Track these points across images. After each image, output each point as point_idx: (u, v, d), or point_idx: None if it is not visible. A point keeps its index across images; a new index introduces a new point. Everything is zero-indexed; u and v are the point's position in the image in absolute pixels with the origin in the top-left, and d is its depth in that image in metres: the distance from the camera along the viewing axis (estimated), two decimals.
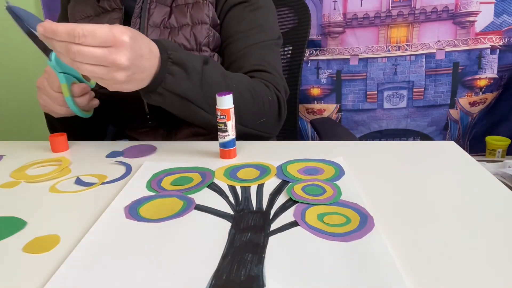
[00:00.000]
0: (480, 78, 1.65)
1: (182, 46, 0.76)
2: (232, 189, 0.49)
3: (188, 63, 0.59)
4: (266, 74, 0.74)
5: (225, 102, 0.56)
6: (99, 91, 0.81)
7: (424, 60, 1.65)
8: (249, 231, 0.39)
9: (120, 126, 0.89)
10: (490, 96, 1.69)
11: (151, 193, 0.48)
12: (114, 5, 0.79)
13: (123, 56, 0.50)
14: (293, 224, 0.40)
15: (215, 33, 0.78)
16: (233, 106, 0.57)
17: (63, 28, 0.48)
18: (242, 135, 0.64)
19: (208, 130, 0.73)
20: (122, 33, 0.50)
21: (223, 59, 0.81)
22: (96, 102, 0.71)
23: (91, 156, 0.63)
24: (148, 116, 0.82)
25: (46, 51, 0.61)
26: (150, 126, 0.83)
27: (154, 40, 0.57)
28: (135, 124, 0.85)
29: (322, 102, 1.74)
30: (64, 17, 0.85)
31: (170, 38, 0.76)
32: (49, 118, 0.74)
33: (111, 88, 0.54)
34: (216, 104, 0.57)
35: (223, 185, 0.50)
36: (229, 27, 0.79)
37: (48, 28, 0.48)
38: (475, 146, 1.79)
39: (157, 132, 0.83)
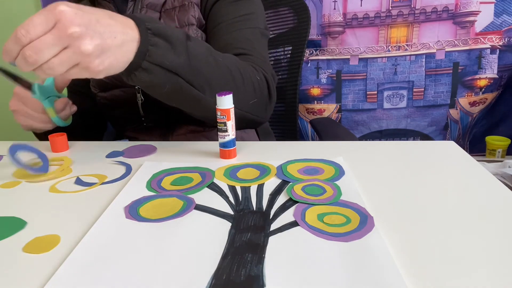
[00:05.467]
0: (480, 78, 1.65)
1: None
2: (232, 189, 0.49)
3: (170, 34, 0.53)
4: (251, 57, 0.71)
5: (225, 102, 0.56)
6: (99, 95, 0.82)
7: (424, 60, 1.65)
8: (249, 231, 0.39)
9: (119, 127, 0.89)
10: (490, 96, 1.69)
11: (151, 193, 0.48)
12: (107, 10, 0.79)
13: (71, 24, 0.44)
14: (293, 224, 0.40)
15: (202, 34, 0.78)
16: (233, 106, 0.57)
17: (10, 39, 0.44)
18: (236, 121, 0.60)
19: (207, 121, 0.70)
20: (57, 4, 0.44)
21: None
22: (74, 108, 0.72)
23: (91, 156, 0.63)
24: (143, 119, 0.82)
25: (21, 81, 0.63)
26: (146, 127, 0.84)
27: (126, 14, 0.52)
28: (133, 125, 0.85)
29: (322, 102, 1.74)
30: None
31: None
32: (35, 132, 0.75)
33: (95, 72, 0.47)
34: (207, 82, 0.53)
35: (223, 185, 0.50)
36: (213, 20, 0.77)
37: (3, 50, 0.45)
38: (475, 146, 1.79)
39: (154, 132, 0.83)
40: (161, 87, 0.56)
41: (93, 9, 0.48)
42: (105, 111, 0.86)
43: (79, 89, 0.87)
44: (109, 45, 0.47)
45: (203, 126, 0.81)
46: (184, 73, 0.55)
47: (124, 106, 0.81)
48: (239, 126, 0.62)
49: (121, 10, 0.78)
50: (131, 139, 0.86)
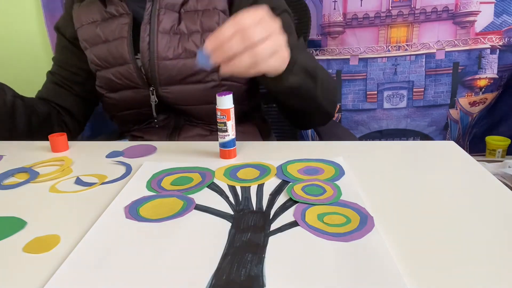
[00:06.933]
0: (480, 78, 1.65)
1: (193, 53, 0.77)
2: (232, 189, 0.49)
3: (299, 48, 0.64)
4: None
5: (225, 102, 0.56)
6: (107, 95, 0.82)
7: (424, 60, 1.65)
8: (249, 231, 0.39)
9: (125, 127, 0.90)
10: (490, 96, 1.69)
11: (151, 193, 0.48)
12: (121, 10, 0.79)
13: (273, 19, 0.52)
14: (293, 224, 0.40)
15: None
16: (233, 106, 0.57)
17: (228, 26, 0.49)
18: (321, 111, 0.74)
19: (314, 112, 0.76)
20: (255, 10, 0.52)
21: None
22: None
23: (91, 156, 0.63)
24: (155, 120, 0.83)
25: None
26: (154, 127, 0.85)
27: None
28: (140, 125, 0.86)
29: None
30: (67, 19, 0.85)
31: (180, 44, 0.76)
32: None
33: (269, 66, 0.53)
34: (322, 85, 0.66)
35: (223, 185, 0.50)
36: None
37: (213, 40, 0.50)
38: (475, 146, 1.79)
39: (161, 132, 0.84)
40: (301, 90, 0.66)
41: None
42: (111, 111, 0.86)
43: (67, 83, 0.87)
44: (284, 47, 0.55)
45: (210, 131, 0.82)
46: (310, 70, 0.65)
47: (134, 106, 0.82)
48: (313, 121, 0.78)
49: (136, 11, 0.78)
50: (136, 138, 0.87)
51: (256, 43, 0.49)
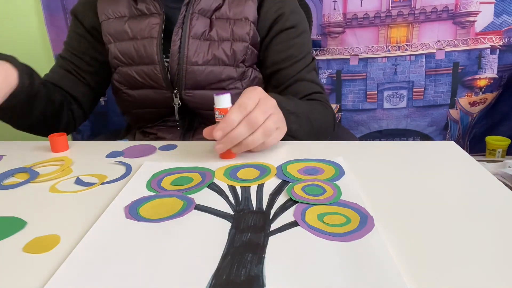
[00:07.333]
0: (480, 78, 1.65)
1: (221, 61, 0.78)
2: (232, 189, 0.49)
3: (297, 111, 0.67)
4: (319, 95, 0.83)
5: (223, 102, 0.56)
6: (126, 91, 0.82)
7: (424, 60, 1.65)
8: (249, 231, 0.39)
9: (139, 123, 0.90)
10: (490, 96, 1.69)
11: (151, 193, 0.48)
12: (153, 10, 0.78)
13: (270, 100, 0.58)
14: (293, 224, 0.40)
15: (253, 51, 0.81)
16: (231, 105, 0.57)
17: (235, 115, 0.53)
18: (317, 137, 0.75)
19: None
20: (253, 92, 0.56)
21: (260, 71, 0.85)
22: None
23: (91, 156, 0.63)
24: (177, 123, 0.85)
25: None
26: (170, 126, 0.86)
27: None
28: (155, 123, 0.86)
29: None
30: (89, 8, 0.83)
31: (210, 50, 0.77)
32: None
33: (273, 141, 0.59)
34: (310, 134, 0.69)
35: (223, 185, 0.50)
36: (278, 52, 0.82)
37: (223, 129, 0.53)
38: (475, 146, 1.79)
39: (176, 131, 0.85)
40: None
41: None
42: (127, 107, 0.86)
43: (79, 72, 0.86)
44: (281, 120, 0.61)
45: None
46: (301, 137, 0.68)
47: (153, 106, 0.83)
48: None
49: (168, 14, 0.78)
50: (148, 135, 0.88)
51: (260, 125, 0.54)
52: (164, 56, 0.79)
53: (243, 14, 0.78)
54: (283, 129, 0.61)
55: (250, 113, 0.53)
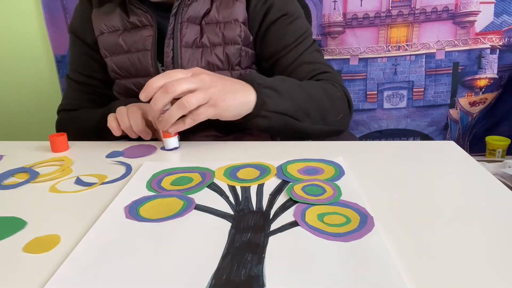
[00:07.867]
0: (480, 78, 1.65)
1: (215, 67, 0.77)
2: (232, 189, 0.49)
3: (275, 85, 0.65)
4: (326, 74, 0.79)
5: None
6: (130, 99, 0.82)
7: (424, 60, 1.65)
8: (249, 231, 0.39)
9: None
10: (490, 96, 1.69)
11: (151, 193, 0.48)
12: (145, 22, 0.78)
13: (204, 72, 0.58)
14: (293, 224, 0.40)
15: (248, 52, 0.80)
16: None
17: (156, 79, 0.55)
18: (323, 134, 0.72)
19: (306, 139, 0.75)
20: (193, 68, 0.59)
21: (261, 67, 0.84)
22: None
23: (91, 156, 0.63)
24: None
25: None
26: None
27: (242, 78, 0.64)
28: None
29: None
30: (86, 24, 0.83)
31: (203, 57, 0.77)
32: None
33: (222, 111, 0.59)
34: (306, 113, 0.65)
35: (223, 185, 0.50)
36: (274, 42, 0.80)
37: (147, 90, 0.56)
38: (475, 146, 1.79)
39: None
40: (274, 126, 0.66)
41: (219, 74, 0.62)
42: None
43: (98, 91, 0.87)
44: (232, 90, 0.60)
45: (224, 133, 0.81)
46: (291, 113, 0.65)
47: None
48: (325, 139, 0.71)
49: (159, 22, 0.78)
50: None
51: (181, 96, 0.55)
52: (161, 65, 0.78)
53: (233, 16, 0.77)
54: (220, 106, 0.58)
55: (170, 82, 0.54)
